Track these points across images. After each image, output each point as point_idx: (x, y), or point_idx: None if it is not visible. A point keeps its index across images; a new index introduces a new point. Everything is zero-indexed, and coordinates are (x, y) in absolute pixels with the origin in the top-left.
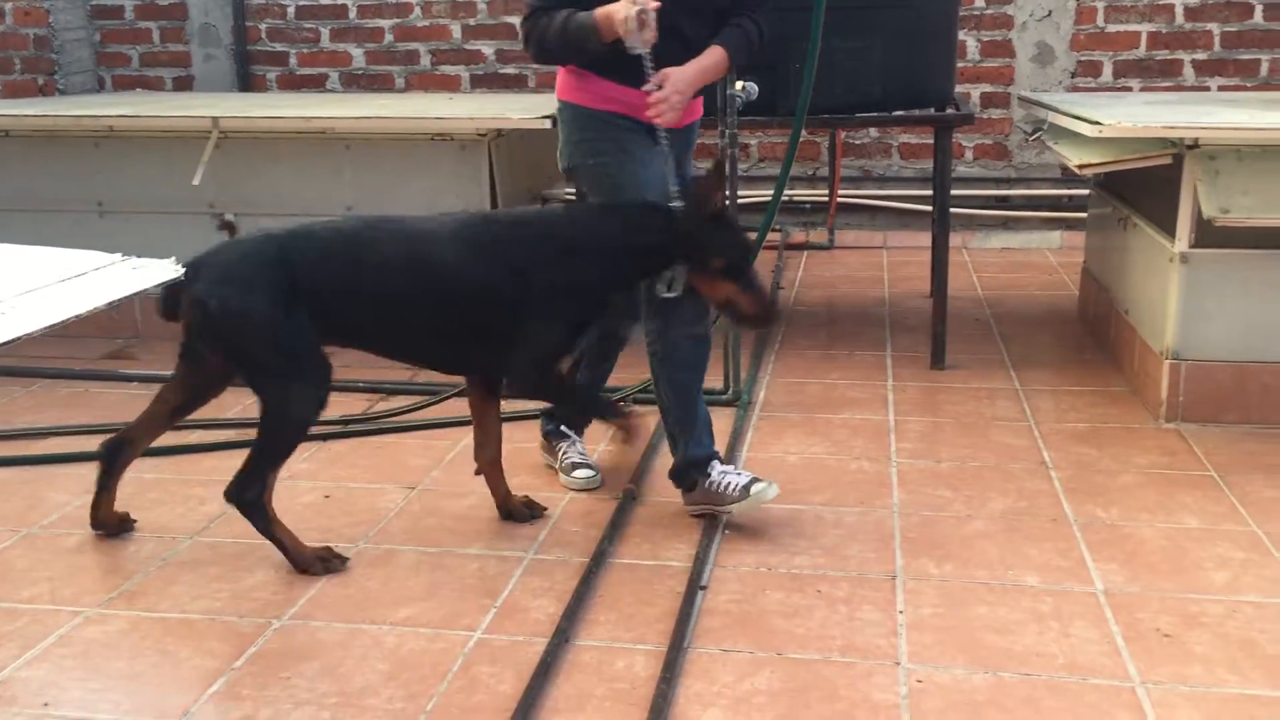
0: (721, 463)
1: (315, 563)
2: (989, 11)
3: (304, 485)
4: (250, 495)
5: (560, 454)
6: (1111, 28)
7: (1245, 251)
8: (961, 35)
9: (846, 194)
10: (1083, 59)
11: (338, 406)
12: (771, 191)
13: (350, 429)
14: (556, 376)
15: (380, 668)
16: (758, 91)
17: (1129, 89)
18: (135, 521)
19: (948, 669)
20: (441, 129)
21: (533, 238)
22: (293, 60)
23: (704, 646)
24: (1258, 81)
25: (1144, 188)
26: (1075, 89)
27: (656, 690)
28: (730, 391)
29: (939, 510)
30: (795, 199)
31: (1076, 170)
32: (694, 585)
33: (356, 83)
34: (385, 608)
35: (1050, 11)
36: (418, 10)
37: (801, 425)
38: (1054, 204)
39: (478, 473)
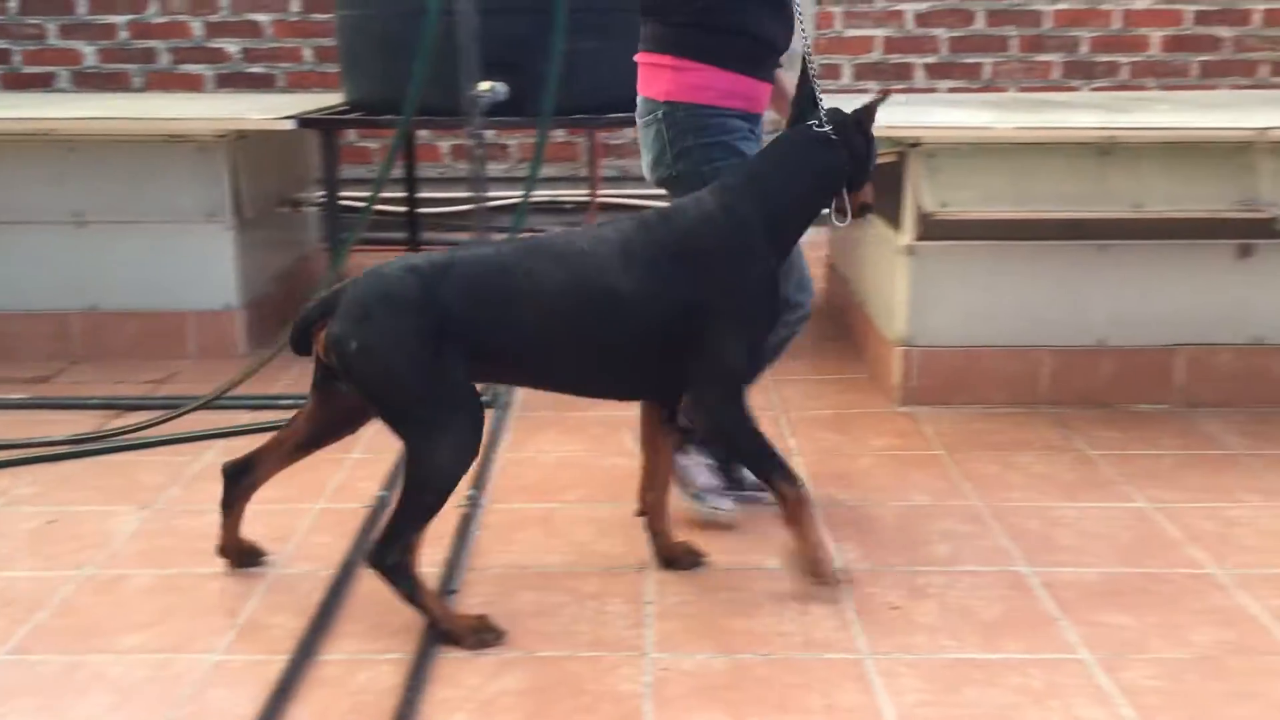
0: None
1: (469, 635)
2: None
3: (26, 511)
4: (393, 559)
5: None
6: (849, 32)
7: (966, 243)
8: None
9: (607, 194)
10: (823, 63)
11: (67, 425)
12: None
13: (81, 449)
14: (749, 411)
15: (103, 700)
16: (506, 92)
17: (867, 91)
18: (268, 554)
19: (692, 655)
20: (176, 130)
21: (701, 235)
22: (16, 58)
23: (452, 652)
24: (981, 83)
25: (876, 184)
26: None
27: (401, 700)
28: (487, 393)
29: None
30: (557, 199)
31: None
32: (443, 590)
33: (89, 82)
34: (111, 636)
35: None
36: (154, 6)
37: (557, 424)
38: None
39: (640, 513)
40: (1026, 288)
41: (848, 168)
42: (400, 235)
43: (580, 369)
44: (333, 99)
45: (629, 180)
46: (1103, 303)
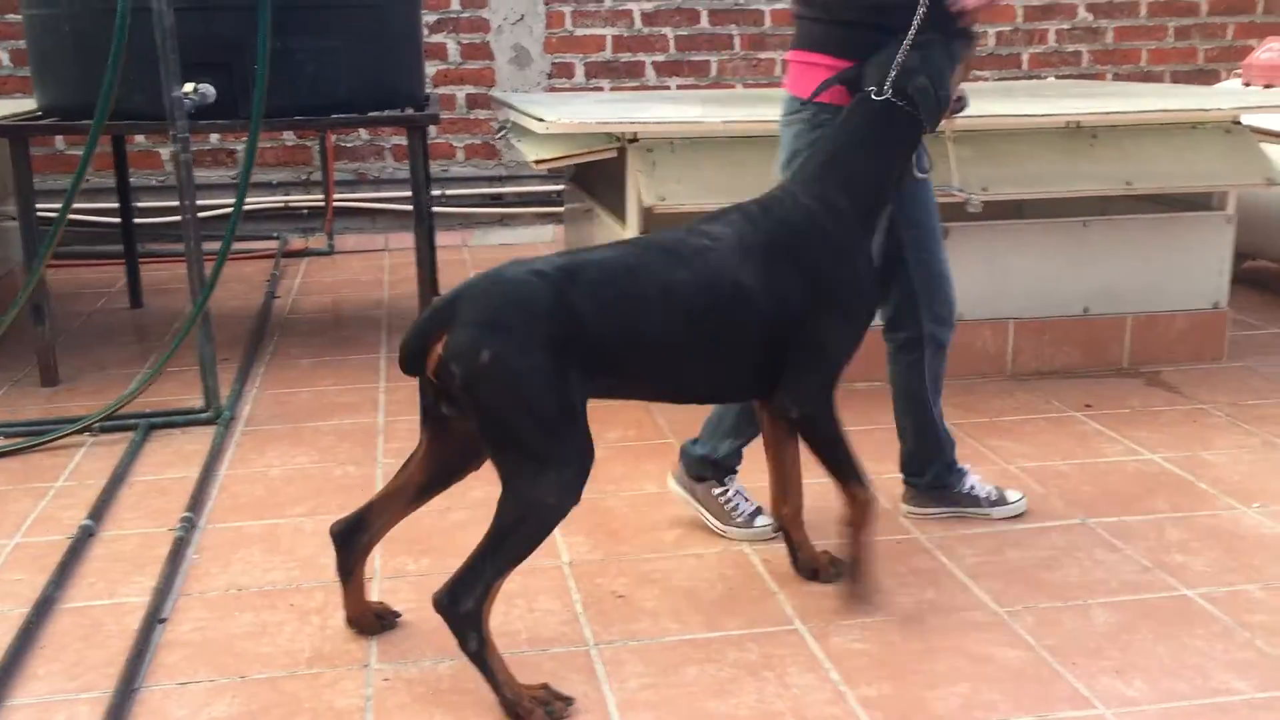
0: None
1: (536, 708)
2: (465, 15)
3: None
4: (468, 605)
5: (725, 502)
6: (580, 31)
7: None
8: (440, 38)
9: (343, 198)
10: (557, 61)
11: None
12: (263, 197)
13: None
14: (835, 407)
15: None
16: (214, 94)
17: (600, 88)
18: (399, 614)
19: (416, 662)
20: None
21: (802, 227)
22: None
23: (158, 683)
24: (710, 80)
25: (603, 180)
26: (552, 89)
27: None
28: (210, 409)
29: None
30: (291, 205)
31: (533, 165)
32: (151, 619)
33: None
34: None
35: (523, 16)
36: None
37: (287, 436)
38: (545, 200)
39: (777, 530)
40: None
41: (920, 127)
42: (115, 248)
43: (704, 370)
44: (30, 104)
45: (365, 184)
46: None
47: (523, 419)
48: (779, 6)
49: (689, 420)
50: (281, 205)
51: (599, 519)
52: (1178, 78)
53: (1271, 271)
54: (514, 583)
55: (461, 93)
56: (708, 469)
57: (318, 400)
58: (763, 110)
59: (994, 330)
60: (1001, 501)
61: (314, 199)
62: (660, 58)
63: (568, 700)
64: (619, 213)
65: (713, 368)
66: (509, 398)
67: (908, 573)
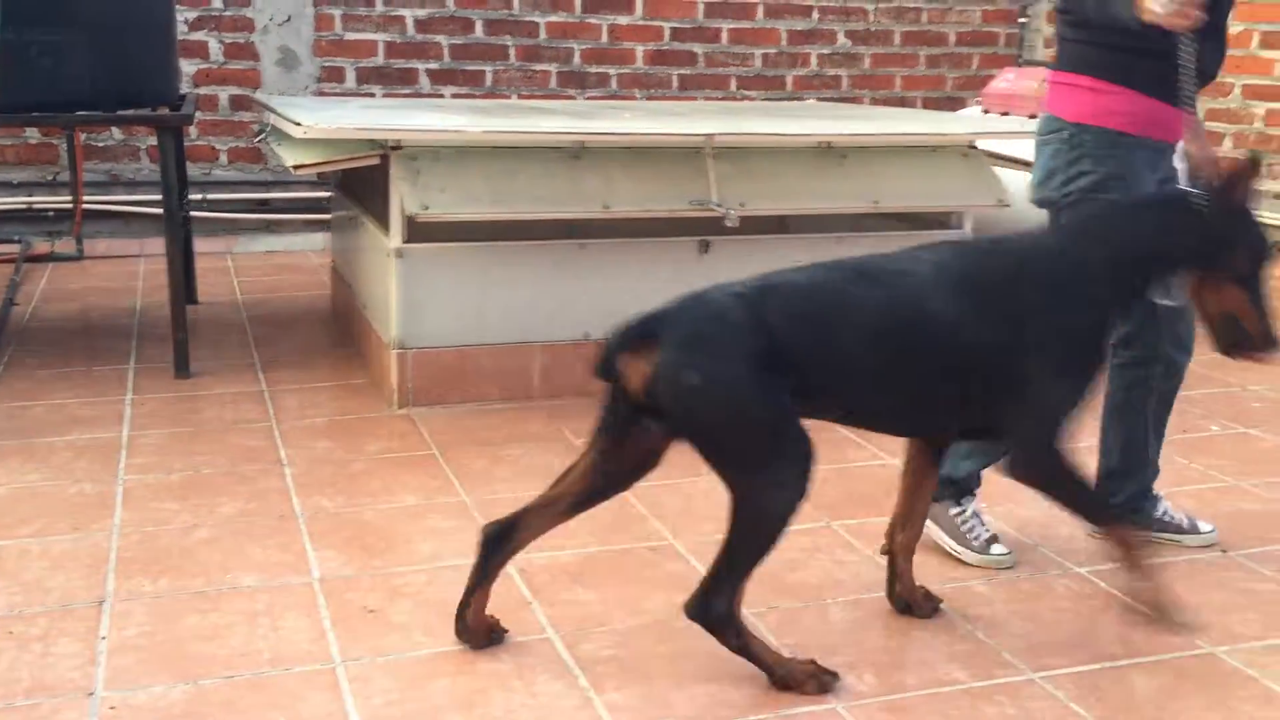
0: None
1: (808, 680)
2: (228, 13)
3: None
4: (719, 609)
5: (961, 523)
6: (350, 35)
7: (455, 245)
8: (202, 35)
9: (94, 200)
10: (326, 65)
11: None
12: (3, 197)
13: None
14: (1069, 457)
15: None
16: None
17: (372, 94)
18: (506, 631)
19: (146, 688)
20: None
21: (1023, 269)
22: None
23: None
24: (485, 90)
25: (369, 188)
26: (321, 94)
27: None
28: None
29: (163, 524)
30: (35, 206)
31: (292, 170)
32: None
33: None
34: None
35: (290, 17)
36: None
37: (18, 453)
38: (314, 206)
39: (885, 552)
40: (515, 287)
41: (1201, 244)
42: None
43: (892, 397)
44: None
45: (119, 186)
46: (585, 298)
47: (736, 435)
48: (553, 19)
49: (456, 431)
50: (24, 206)
51: (353, 533)
52: (929, 104)
53: None
54: (261, 603)
55: (225, 93)
56: (946, 488)
57: (55, 413)
58: (533, 121)
59: None
60: (1194, 530)
61: (61, 200)
62: (434, 65)
63: (834, 675)
64: (383, 221)
65: (901, 395)
66: (720, 416)
67: (661, 577)
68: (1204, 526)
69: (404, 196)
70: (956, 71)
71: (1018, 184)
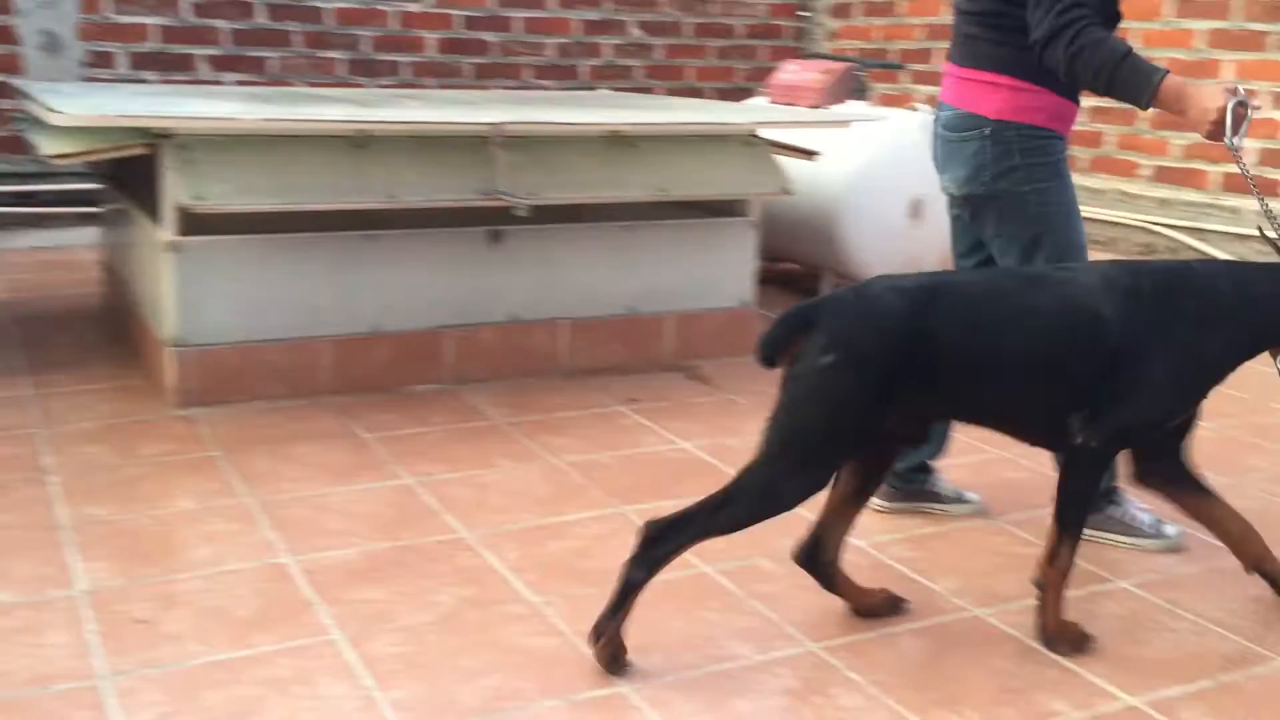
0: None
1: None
2: None
3: None
4: (660, 551)
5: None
6: (120, 19)
7: (234, 237)
8: None
9: None
10: (95, 49)
11: None
12: None
13: None
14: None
15: None
16: None
17: (145, 80)
18: (907, 601)
19: None
20: None
21: (1179, 295)
22: None
23: None
24: (270, 77)
25: (142, 179)
26: (90, 79)
27: None
28: None
29: None
30: None
31: (51, 160)
32: None
33: None
34: None
35: None
36: None
37: None
38: (87, 199)
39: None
40: (300, 280)
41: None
42: None
43: (1041, 400)
44: None
45: None
46: (374, 291)
47: (815, 424)
48: (340, 5)
49: (239, 431)
50: None
51: (125, 541)
52: (720, 94)
53: (797, 272)
54: (20, 619)
55: None
56: (1100, 500)
57: None
58: (314, 109)
59: (547, 330)
60: (959, 500)
61: None
62: (215, 51)
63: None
64: (153, 213)
65: (1051, 399)
66: (819, 400)
67: (450, 572)
68: (970, 496)
69: (176, 187)
70: (745, 63)
71: (799, 172)
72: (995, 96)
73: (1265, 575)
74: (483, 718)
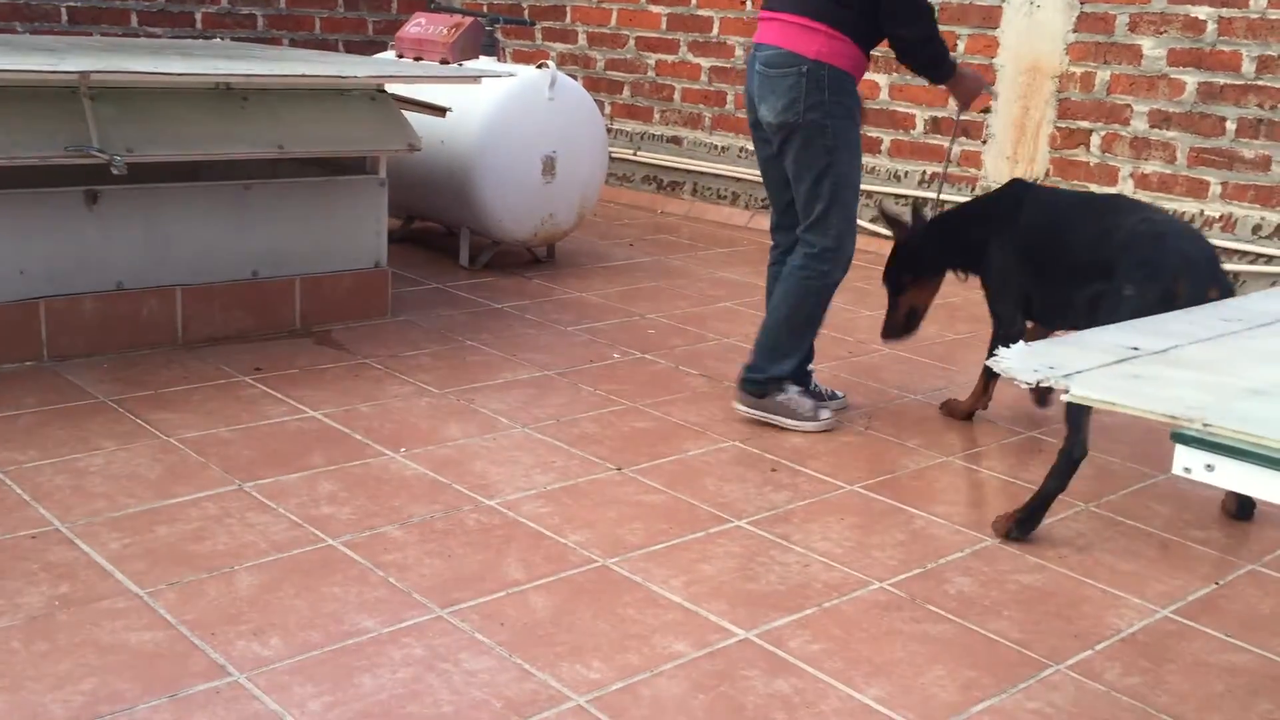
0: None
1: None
2: None
3: None
4: None
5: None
6: None
7: None
8: None
9: None
10: None
11: None
12: None
13: None
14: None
15: None
16: None
17: None
18: None
19: None
20: None
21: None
22: None
23: None
24: None
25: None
26: None
27: None
28: None
29: None
30: None
31: None
32: None
33: None
34: None
35: None
36: None
37: None
38: None
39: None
40: None
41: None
42: None
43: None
44: None
45: None
46: None
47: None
48: None
49: None
50: None
51: None
52: (351, 47)
53: (433, 231)
54: None
55: None
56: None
57: None
58: None
59: (161, 298)
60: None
61: None
62: None
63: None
64: None
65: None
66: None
67: (39, 569)
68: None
69: None
70: (376, 15)
71: (431, 129)
72: (815, 40)
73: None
74: None
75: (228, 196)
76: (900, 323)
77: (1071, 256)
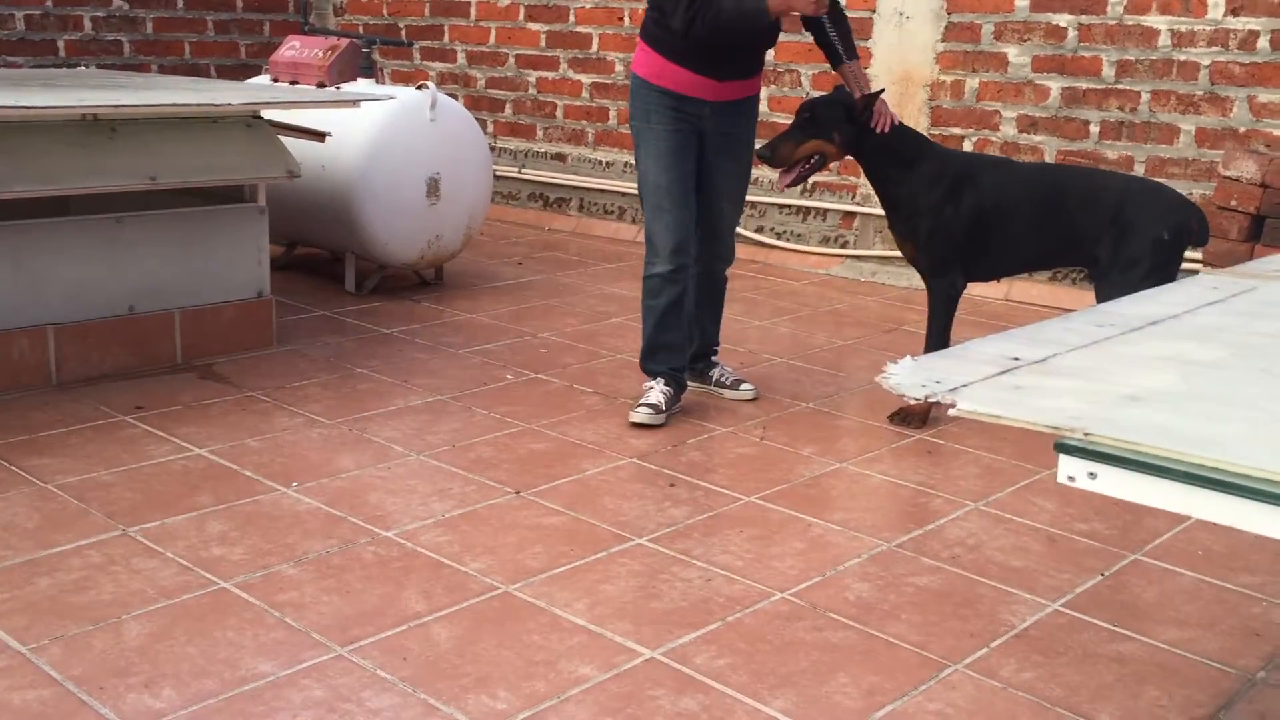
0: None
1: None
2: None
3: None
4: None
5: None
6: None
7: None
8: None
9: None
10: None
11: None
12: None
13: None
14: None
15: None
16: None
17: None
18: None
19: None
20: None
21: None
22: None
23: None
24: None
25: None
26: None
27: None
28: None
29: None
30: None
31: None
32: None
33: None
34: None
35: None
36: None
37: None
38: None
39: None
40: None
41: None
42: None
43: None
44: None
45: None
46: None
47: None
48: None
49: None
50: None
51: None
52: (223, 72)
53: (318, 256)
54: None
55: None
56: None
57: None
58: None
59: (32, 339)
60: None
61: None
62: None
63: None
64: None
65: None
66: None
67: None
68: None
69: None
70: (248, 38)
71: (310, 155)
72: (637, 55)
73: None
74: None
75: (100, 231)
76: (792, 154)
77: (1051, 219)
